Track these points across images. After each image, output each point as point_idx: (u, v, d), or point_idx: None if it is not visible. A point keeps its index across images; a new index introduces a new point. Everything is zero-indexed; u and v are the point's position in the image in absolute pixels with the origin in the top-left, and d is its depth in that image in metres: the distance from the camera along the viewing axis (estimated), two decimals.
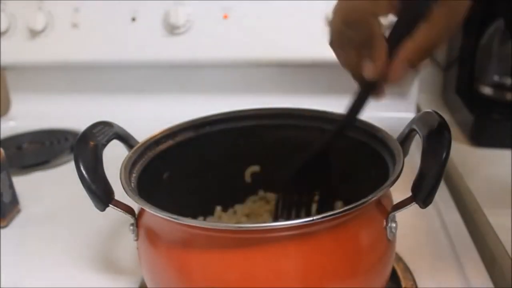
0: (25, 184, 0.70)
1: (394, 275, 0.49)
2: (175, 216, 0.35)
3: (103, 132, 0.42)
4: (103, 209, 0.39)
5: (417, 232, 0.57)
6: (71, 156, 0.81)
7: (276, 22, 0.84)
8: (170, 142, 0.49)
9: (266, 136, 0.53)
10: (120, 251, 0.56)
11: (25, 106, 0.98)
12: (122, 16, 0.88)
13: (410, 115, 0.87)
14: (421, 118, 0.41)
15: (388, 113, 0.83)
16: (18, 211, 0.65)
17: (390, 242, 0.39)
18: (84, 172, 0.38)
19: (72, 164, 0.78)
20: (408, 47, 0.40)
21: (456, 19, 0.40)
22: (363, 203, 0.35)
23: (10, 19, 0.91)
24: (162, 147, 0.48)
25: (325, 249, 0.35)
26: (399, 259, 0.51)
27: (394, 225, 0.39)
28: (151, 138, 0.47)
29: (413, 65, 0.40)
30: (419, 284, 0.48)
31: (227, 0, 0.85)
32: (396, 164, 0.39)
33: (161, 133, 0.48)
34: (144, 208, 0.37)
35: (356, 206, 0.34)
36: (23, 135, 0.91)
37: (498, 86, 0.76)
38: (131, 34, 0.88)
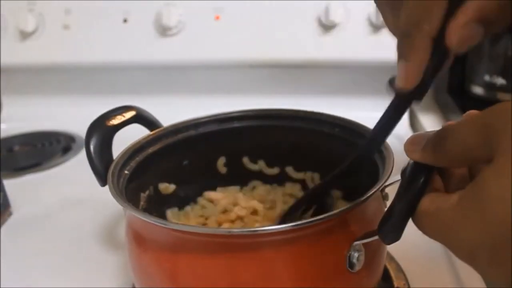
0: (16, 187, 0.70)
1: (386, 275, 0.49)
2: (163, 222, 0.35)
3: (122, 115, 0.46)
4: (102, 185, 0.42)
5: (410, 231, 0.57)
6: (63, 158, 0.80)
7: (268, 23, 0.84)
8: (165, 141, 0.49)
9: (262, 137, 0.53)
10: (113, 252, 0.56)
11: (16, 108, 0.97)
12: (113, 17, 0.88)
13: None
14: None
15: (380, 113, 0.83)
16: (10, 214, 0.65)
17: (350, 275, 0.36)
18: (91, 149, 0.43)
19: (64, 166, 0.79)
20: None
21: None
22: (312, 221, 0.33)
23: (1, 21, 0.90)
24: (155, 148, 0.48)
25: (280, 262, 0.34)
26: (391, 258, 0.51)
27: (356, 255, 0.35)
28: (141, 140, 0.47)
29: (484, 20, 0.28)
30: (411, 284, 0.48)
31: (219, 1, 0.85)
32: (372, 188, 0.36)
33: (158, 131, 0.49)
34: (132, 213, 0.36)
35: (304, 224, 0.32)
36: (14, 137, 0.90)
37: (489, 86, 0.76)
38: (123, 36, 0.88)
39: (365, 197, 0.35)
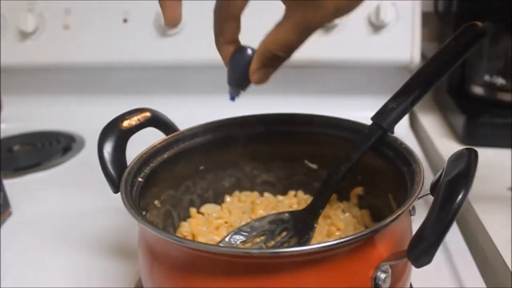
0: (16, 187, 0.70)
1: None
2: (179, 239, 0.33)
3: (137, 118, 0.44)
4: (115, 192, 0.41)
5: None
6: (63, 158, 0.80)
7: (268, 23, 0.83)
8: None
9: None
10: (112, 253, 0.56)
11: (16, 108, 0.97)
12: (113, 17, 0.88)
13: None
14: (454, 161, 0.33)
15: None
16: (10, 214, 0.65)
17: None
18: (104, 154, 0.41)
19: (64, 166, 0.79)
20: (263, 44, 0.40)
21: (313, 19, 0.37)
22: (339, 243, 0.30)
23: (1, 21, 0.90)
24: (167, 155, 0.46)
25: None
26: None
27: (383, 277, 0.33)
28: (153, 147, 0.45)
29: (266, 65, 0.42)
30: (412, 284, 0.48)
31: None
32: (401, 207, 0.33)
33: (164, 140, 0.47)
34: (147, 229, 0.34)
35: (329, 246, 0.30)
36: (14, 137, 0.90)
37: (489, 86, 0.76)
38: (123, 36, 0.88)
39: (395, 216, 0.32)
